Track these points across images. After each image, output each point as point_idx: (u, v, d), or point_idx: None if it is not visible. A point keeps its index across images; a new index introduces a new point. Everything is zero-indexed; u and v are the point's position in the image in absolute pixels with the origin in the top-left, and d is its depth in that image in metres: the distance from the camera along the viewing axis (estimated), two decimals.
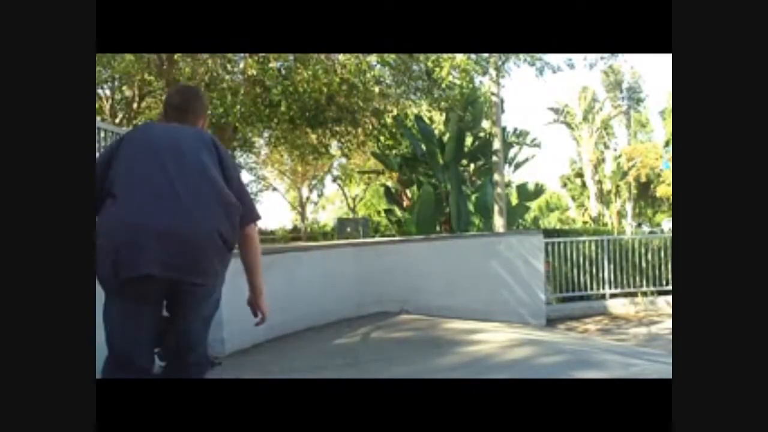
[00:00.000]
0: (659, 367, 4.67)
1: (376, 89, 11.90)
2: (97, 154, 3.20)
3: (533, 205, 30.58)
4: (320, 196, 42.19)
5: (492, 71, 12.64)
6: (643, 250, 11.77)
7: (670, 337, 8.42)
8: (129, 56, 10.64)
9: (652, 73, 70.76)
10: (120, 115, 15.60)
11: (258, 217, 2.90)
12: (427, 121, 16.92)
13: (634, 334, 9.00)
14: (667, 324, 9.51)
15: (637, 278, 11.58)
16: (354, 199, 38.47)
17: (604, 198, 40.55)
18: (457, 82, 12.43)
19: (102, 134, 5.11)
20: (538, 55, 12.32)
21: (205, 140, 2.78)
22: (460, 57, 11.19)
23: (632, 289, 11.51)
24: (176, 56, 11.17)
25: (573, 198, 46.56)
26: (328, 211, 48.36)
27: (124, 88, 15.08)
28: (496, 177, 14.50)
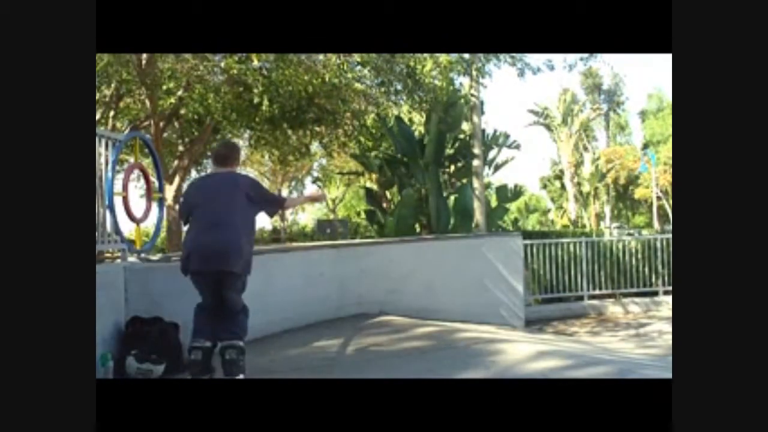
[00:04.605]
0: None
1: (357, 86, 11.87)
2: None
3: (513, 206, 30.73)
4: None
5: (474, 72, 12.68)
6: (628, 253, 11.85)
7: (655, 338, 8.47)
8: (107, 55, 10.51)
9: (632, 75, 71.36)
10: (98, 114, 15.41)
11: (283, 201, 5.42)
12: (407, 122, 16.93)
13: (612, 335, 9.06)
14: (654, 326, 9.57)
15: (622, 281, 11.66)
16: (334, 201, 38.41)
17: (583, 200, 40.82)
18: (438, 83, 12.45)
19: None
20: (518, 56, 12.37)
21: (234, 181, 4.62)
22: (443, 56, 11.22)
23: (611, 291, 11.59)
24: (156, 55, 11.07)
25: (552, 200, 46.81)
26: (307, 213, 48.26)
27: (102, 87, 14.90)
28: (476, 179, 14.54)
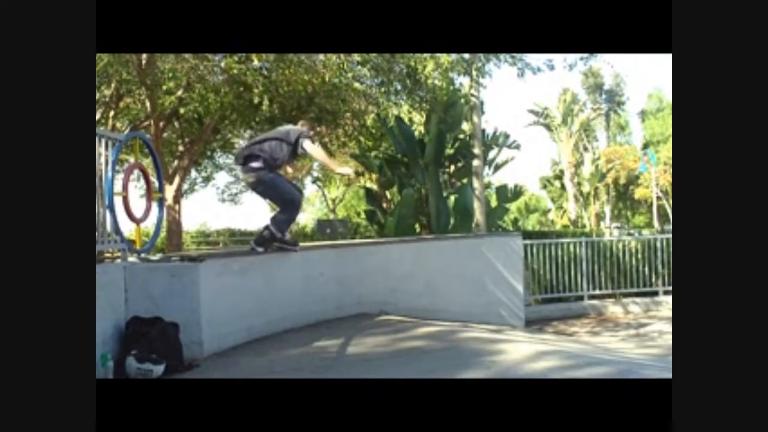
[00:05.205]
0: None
1: (357, 86, 11.88)
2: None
3: (513, 206, 30.73)
4: None
5: (474, 72, 12.68)
6: (628, 253, 11.85)
7: (655, 338, 8.47)
8: (107, 55, 10.51)
9: (633, 74, 71.33)
10: (98, 114, 15.40)
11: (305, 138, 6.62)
12: (408, 122, 16.94)
13: (612, 335, 9.05)
14: (654, 326, 9.55)
15: (622, 281, 11.66)
16: (334, 201, 38.40)
17: (583, 200, 40.82)
18: (438, 83, 12.45)
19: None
20: (518, 56, 12.37)
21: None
22: (444, 56, 11.23)
23: (611, 291, 11.60)
24: (156, 55, 11.07)
25: (552, 200, 46.81)
26: (307, 213, 48.26)
27: (102, 87, 14.91)
28: (476, 179, 14.55)
